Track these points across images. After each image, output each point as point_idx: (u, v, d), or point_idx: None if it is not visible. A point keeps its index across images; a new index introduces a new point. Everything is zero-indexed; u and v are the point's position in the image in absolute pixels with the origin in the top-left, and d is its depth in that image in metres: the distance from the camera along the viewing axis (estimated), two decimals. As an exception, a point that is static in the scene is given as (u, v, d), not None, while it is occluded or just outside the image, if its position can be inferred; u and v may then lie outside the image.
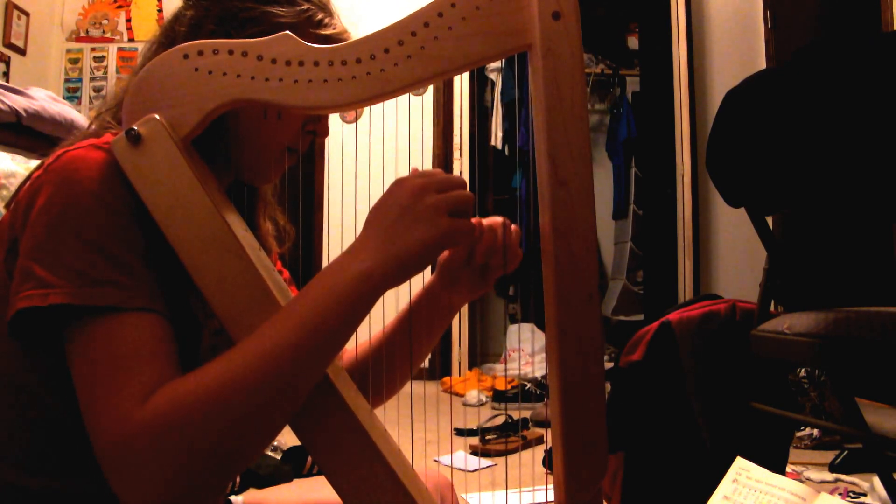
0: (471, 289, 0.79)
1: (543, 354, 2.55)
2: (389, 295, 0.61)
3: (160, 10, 3.80)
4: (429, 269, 0.63)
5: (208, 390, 0.53)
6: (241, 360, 0.55)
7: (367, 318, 0.62)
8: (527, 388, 3.17)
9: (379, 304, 0.65)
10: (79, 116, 2.09)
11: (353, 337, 0.67)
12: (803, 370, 2.28)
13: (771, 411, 1.32)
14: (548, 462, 1.43)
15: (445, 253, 0.78)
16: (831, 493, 1.74)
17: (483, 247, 0.74)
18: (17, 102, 1.87)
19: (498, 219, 0.75)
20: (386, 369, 0.82)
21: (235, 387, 0.54)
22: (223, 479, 0.57)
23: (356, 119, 3.55)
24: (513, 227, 0.75)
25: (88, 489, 0.61)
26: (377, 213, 0.60)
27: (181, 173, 0.58)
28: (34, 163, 1.67)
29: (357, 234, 0.62)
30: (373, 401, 0.81)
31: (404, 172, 0.77)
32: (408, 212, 0.58)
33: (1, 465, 0.62)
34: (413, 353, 0.84)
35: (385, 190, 0.61)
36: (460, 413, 2.84)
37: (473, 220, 0.73)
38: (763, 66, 3.60)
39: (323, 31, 0.72)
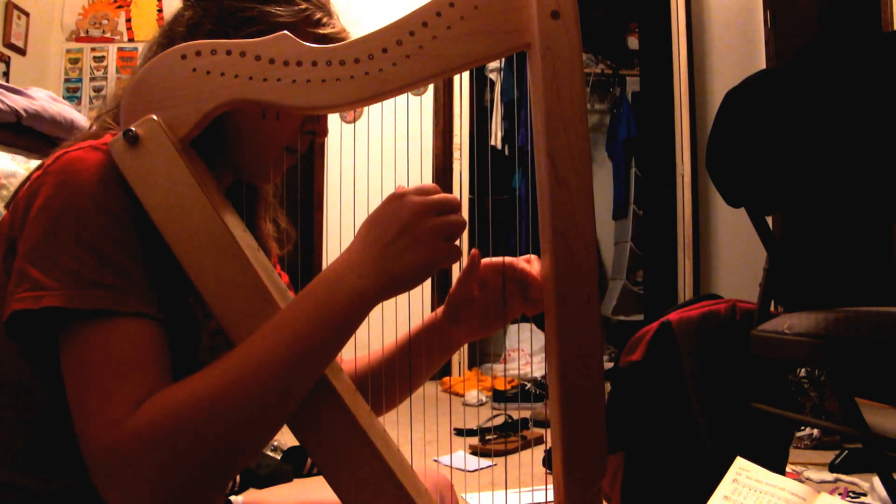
0: (479, 327, 0.79)
1: (543, 354, 2.54)
2: (389, 311, 0.61)
3: (160, 10, 3.79)
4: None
5: (199, 400, 0.53)
6: (233, 371, 0.55)
7: (367, 325, 0.62)
8: (527, 388, 3.17)
9: (383, 313, 0.65)
10: (79, 116, 2.09)
11: (354, 348, 0.67)
12: (803, 370, 2.28)
13: (771, 411, 1.32)
14: (548, 462, 1.42)
15: (452, 289, 0.78)
16: (831, 493, 1.74)
17: (509, 288, 0.75)
18: (17, 102, 1.87)
19: (531, 258, 0.76)
20: (383, 393, 0.81)
21: (226, 397, 0.54)
22: (212, 487, 0.57)
23: (356, 119, 3.55)
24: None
25: (88, 489, 0.60)
26: (375, 226, 0.60)
27: (179, 174, 0.58)
28: (34, 163, 1.67)
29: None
30: None
31: (404, 172, 0.77)
32: (407, 232, 0.58)
33: (1, 465, 0.62)
34: (414, 378, 0.83)
35: (385, 190, 0.61)
36: (460, 413, 2.84)
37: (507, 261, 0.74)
38: (763, 66, 3.60)
39: (321, 31, 0.72)
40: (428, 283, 3.51)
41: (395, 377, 0.82)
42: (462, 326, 0.79)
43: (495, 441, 2.24)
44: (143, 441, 0.51)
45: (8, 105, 1.83)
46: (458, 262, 0.63)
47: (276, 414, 0.56)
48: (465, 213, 3.57)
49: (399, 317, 0.80)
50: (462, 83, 3.54)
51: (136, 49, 3.76)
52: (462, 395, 3.15)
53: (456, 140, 3.74)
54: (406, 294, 0.62)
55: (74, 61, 3.79)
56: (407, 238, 0.58)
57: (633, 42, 4.83)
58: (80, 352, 0.55)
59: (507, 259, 0.76)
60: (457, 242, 0.62)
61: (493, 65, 4.16)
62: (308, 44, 0.59)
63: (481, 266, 0.76)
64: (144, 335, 0.56)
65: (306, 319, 0.57)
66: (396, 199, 0.60)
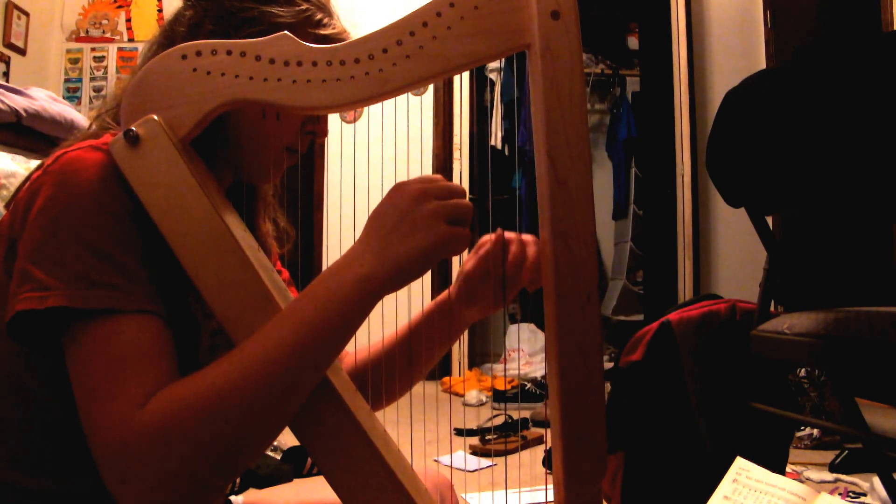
0: (487, 304, 0.79)
1: (543, 354, 2.54)
2: (389, 307, 0.61)
3: (160, 10, 3.79)
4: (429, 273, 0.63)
5: (207, 394, 0.53)
6: (240, 365, 0.55)
7: (367, 322, 0.62)
8: (527, 388, 3.17)
9: (383, 307, 0.65)
10: (79, 116, 2.09)
11: (353, 342, 0.66)
12: (803, 370, 2.28)
13: (771, 411, 1.32)
14: (548, 462, 1.42)
15: (466, 267, 0.78)
16: (831, 493, 1.74)
17: (512, 259, 0.74)
18: (17, 102, 1.87)
19: (527, 236, 0.75)
20: (387, 379, 0.82)
21: (234, 391, 0.54)
22: (221, 481, 0.57)
23: (356, 119, 3.55)
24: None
25: (88, 489, 0.61)
26: (377, 218, 0.60)
27: (179, 174, 0.58)
28: (34, 163, 1.67)
29: (357, 235, 0.62)
30: (371, 407, 0.81)
31: (404, 172, 0.77)
32: (407, 218, 0.58)
33: (1, 465, 0.62)
34: (420, 365, 0.84)
35: (385, 191, 0.61)
36: (460, 413, 2.84)
37: (506, 236, 0.74)
38: (763, 66, 3.60)
39: (322, 31, 0.72)
40: (428, 282, 3.51)
41: (408, 359, 0.82)
42: (473, 304, 0.80)
43: (495, 441, 2.24)
44: (152, 435, 0.51)
45: (8, 105, 1.83)
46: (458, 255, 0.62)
47: (284, 406, 0.56)
48: (465, 213, 3.56)
49: (398, 316, 0.81)
50: (462, 83, 3.54)
51: (136, 49, 3.76)
52: (462, 395, 3.15)
53: (456, 140, 3.74)
54: (405, 296, 0.61)
55: (74, 61, 3.79)
56: (407, 224, 0.58)
57: (633, 42, 4.83)
58: (85, 351, 0.55)
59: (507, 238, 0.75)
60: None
61: (493, 65, 4.16)
62: (308, 44, 0.59)
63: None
64: (149, 332, 0.56)
65: (313, 312, 0.57)
66: (396, 189, 0.60)
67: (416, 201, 0.58)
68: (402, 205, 0.58)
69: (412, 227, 0.57)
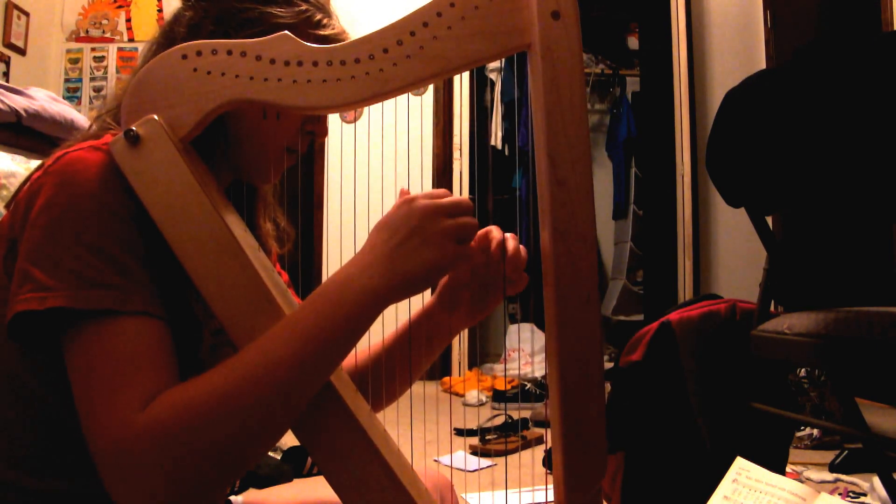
0: (471, 312, 0.79)
1: (543, 354, 2.54)
2: (390, 308, 0.62)
3: (160, 10, 3.79)
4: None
5: (209, 399, 0.53)
6: (243, 370, 0.55)
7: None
8: (527, 388, 3.17)
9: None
10: (79, 116, 2.09)
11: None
12: (803, 370, 2.28)
13: (771, 411, 1.32)
14: (548, 462, 1.42)
15: (446, 277, 0.79)
16: (831, 493, 1.74)
17: (479, 266, 0.74)
18: (17, 102, 1.87)
19: (506, 236, 0.75)
20: (381, 385, 0.82)
21: (236, 396, 0.54)
22: (221, 485, 0.57)
23: (356, 119, 3.55)
24: (521, 248, 0.75)
25: (88, 489, 0.61)
26: (384, 229, 0.60)
27: (180, 174, 0.58)
28: (34, 163, 1.67)
29: (357, 234, 0.62)
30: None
31: (404, 172, 0.77)
32: (418, 233, 0.58)
33: (1, 465, 0.62)
34: (409, 371, 0.84)
35: (385, 191, 0.62)
36: (460, 413, 2.84)
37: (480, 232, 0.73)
38: (763, 66, 3.60)
39: (321, 32, 0.72)
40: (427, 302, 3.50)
41: (395, 368, 0.82)
42: (455, 313, 0.80)
43: (495, 441, 2.24)
44: (153, 438, 0.51)
45: (8, 105, 1.83)
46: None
47: (285, 412, 0.57)
48: (465, 213, 3.56)
49: (399, 316, 0.80)
50: (462, 83, 3.54)
51: (136, 49, 3.76)
52: (462, 395, 3.15)
53: (456, 140, 3.74)
54: (405, 305, 0.62)
55: (74, 61, 3.79)
56: (417, 239, 0.58)
57: (633, 42, 4.83)
58: (85, 352, 0.55)
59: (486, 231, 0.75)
60: None
61: (493, 65, 4.16)
62: (309, 44, 0.59)
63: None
64: (150, 334, 0.56)
65: (316, 319, 0.57)
66: (406, 203, 0.60)
67: (429, 218, 0.59)
68: (413, 219, 0.59)
69: (423, 242, 0.58)
